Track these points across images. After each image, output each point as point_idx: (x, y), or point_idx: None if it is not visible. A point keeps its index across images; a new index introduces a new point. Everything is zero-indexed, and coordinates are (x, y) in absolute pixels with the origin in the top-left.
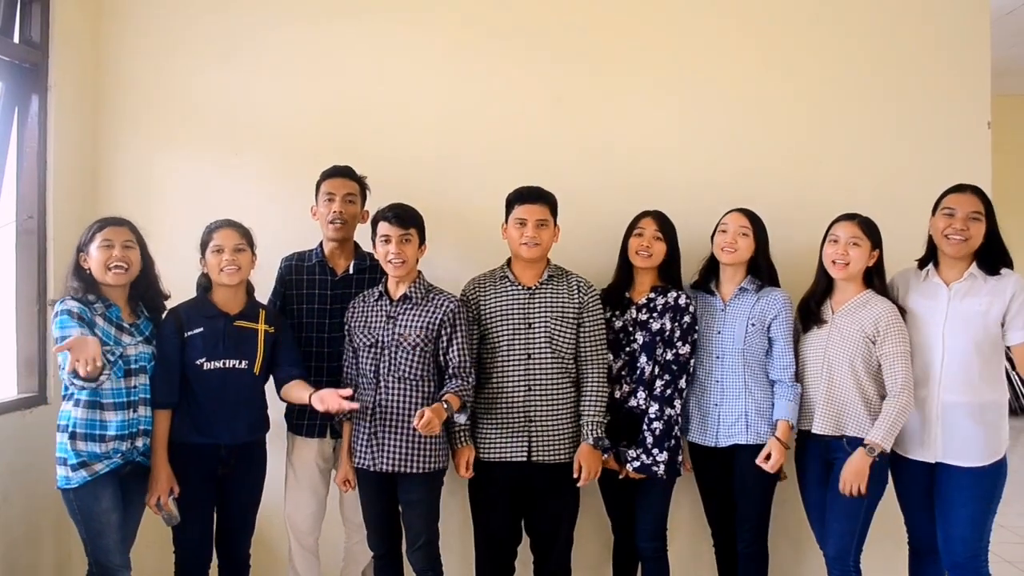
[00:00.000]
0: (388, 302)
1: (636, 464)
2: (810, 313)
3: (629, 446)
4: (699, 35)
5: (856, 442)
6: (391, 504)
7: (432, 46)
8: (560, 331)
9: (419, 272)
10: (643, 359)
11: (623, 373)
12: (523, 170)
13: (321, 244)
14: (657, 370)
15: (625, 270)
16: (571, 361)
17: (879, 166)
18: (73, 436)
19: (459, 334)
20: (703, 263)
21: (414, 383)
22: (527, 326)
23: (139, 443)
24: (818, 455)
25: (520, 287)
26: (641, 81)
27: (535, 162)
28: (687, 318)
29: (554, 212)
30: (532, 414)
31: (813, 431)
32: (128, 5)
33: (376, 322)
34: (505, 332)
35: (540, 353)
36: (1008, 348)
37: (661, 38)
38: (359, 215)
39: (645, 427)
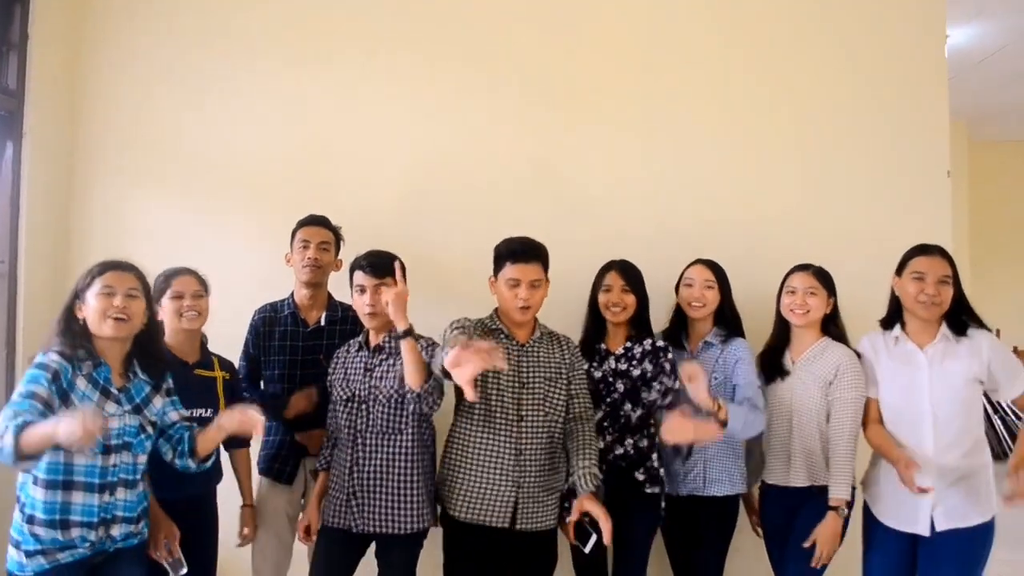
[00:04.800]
0: (367, 353)
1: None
2: (772, 365)
3: (593, 525)
4: (665, 90)
5: (823, 490)
6: (352, 568)
7: (407, 96)
8: (553, 391)
9: None
10: (627, 406)
11: (605, 424)
12: (496, 218)
13: (292, 295)
14: (641, 412)
15: (596, 322)
16: (560, 424)
17: (839, 216)
18: (31, 520)
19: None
20: (671, 315)
21: (394, 438)
22: (520, 385)
23: (115, 531)
24: (784, 505)
25: (514, 343)
26: (609, 133)
27: (508, 211)
28: (669, 355)
29: (546, 267)
30: (521, 479)
31: (790, 484)
32: (105, 52)
33: (354, 374)
34: (496, 390)
35: (533, 414)
36: (1009, 402)
37: (630, 93)
38: (333, 263)
39: (640, 469)
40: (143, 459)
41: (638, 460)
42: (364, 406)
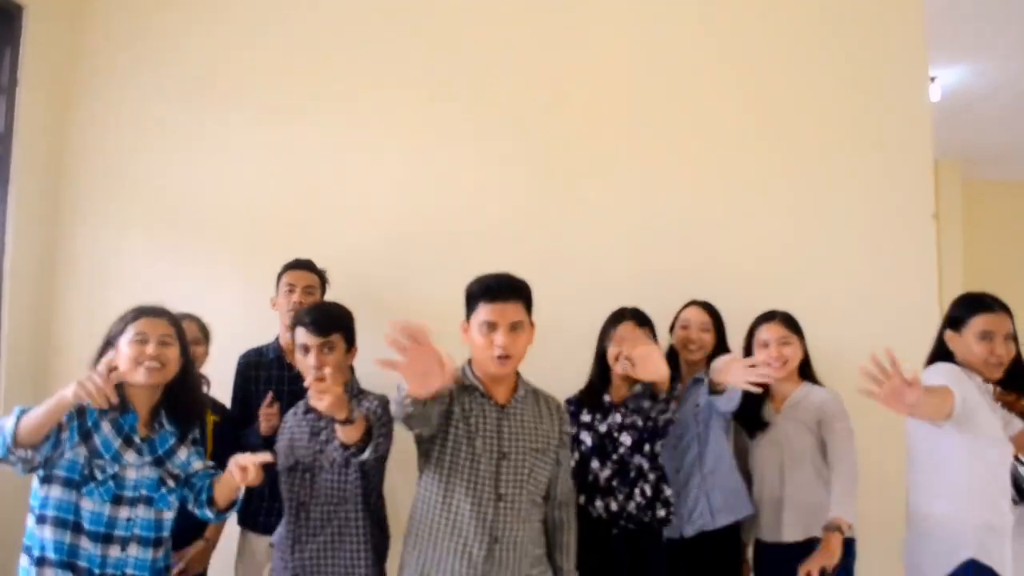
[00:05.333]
0: (314, 416)
1: None
2: (753, 419)
3: None
4: (650, 137)
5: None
6: None
7: (392, 143)
8: (539, 466)
9: (352, 373)
10: (636, 458)
11: (614, 483)
12: (482, 266)
13: (277, 338)
14: (649, 464)
15: (603, 375)
16: (542, 504)
17: (823, 260)
18: (41, 563)
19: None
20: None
21: (340, 512)
22: (500, 455)
23: None
24: (779, 565)
25: (491, 403)
26: (595, 181)
27: (493, 258)
28: (671, 405)
29: (529, 307)
30: (494, 573)
31: (783, 539)
32: (93, 99)
33: (299, 440)
34: (470, 460)
35: (513, 493)
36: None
37: (616, 143)
38: None
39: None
40: (168, 516)
41: (653, 497)
42: (308, 474)
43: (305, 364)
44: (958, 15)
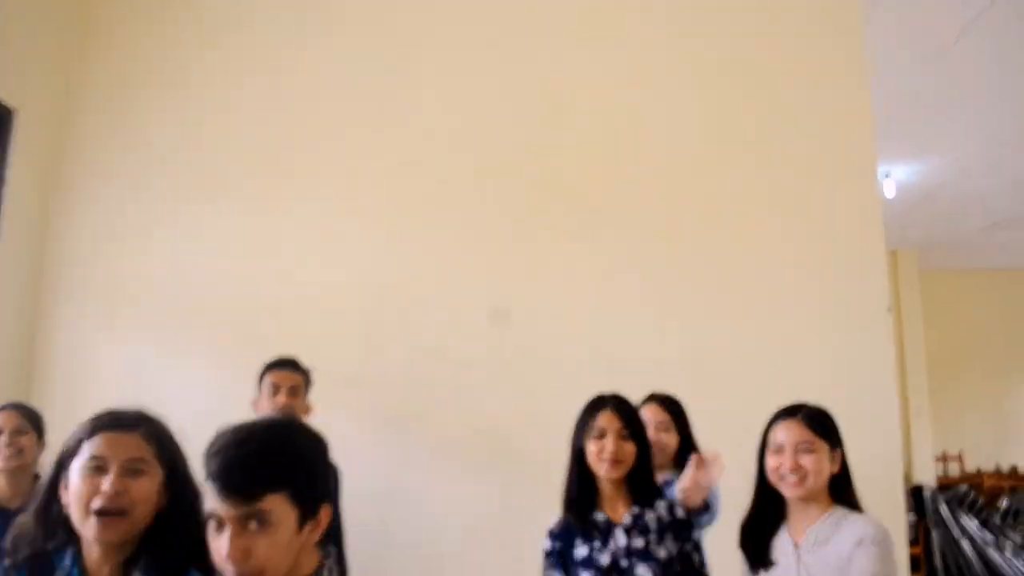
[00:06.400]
0: None
1: None
2: (757, 550)
3: None
4: (613, 240)
5: None
6: None
7: (366, 233)
8: None
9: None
10: None
11: None
12: (457, 357)
13: None
14: None
15: (583, 481)
16: None
17: (779, 357)
18: None
19: None
20: None
21: None
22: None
23: None
24: None
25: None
26: (561, 275)
27: (468, 350)
28: (692, 536)
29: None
30: None
31: None
32: (78, 191)
33: None
34: None
35: None
36: None
37: (586, 237)
38: (303, 408)
39: None
40: None
41: None
42: None
43: (216, 549)
44: (908, 115)
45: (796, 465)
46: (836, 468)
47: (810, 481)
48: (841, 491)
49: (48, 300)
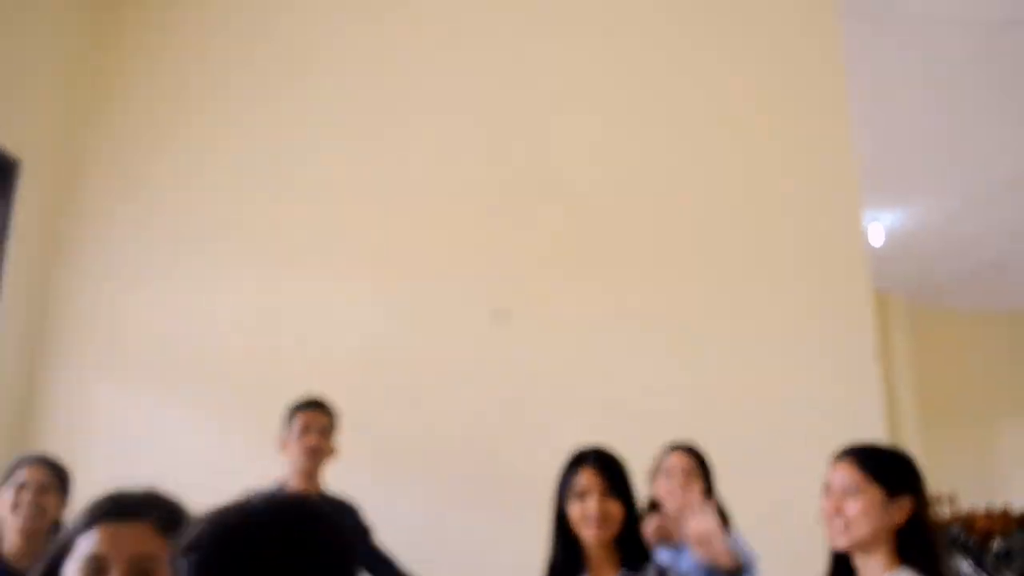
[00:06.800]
0: None
1: None
2: None
3: None
4: (601, 287)
5: None
6: None
7: (372, 290)
8: None
9: None
10: None
11: None
12: (445, 411)
13: (283, 483)
14: None
15: (567, 546)
16: None
17: (767, 405)
18: None
19: None
20: (643, 510)
21: None
22: None
23: None
24: None
25: None
26: (546, 326)
27: (455, 405)
28: None
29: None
30: None
31: None
32: (80, 244)
33: None
34: None
35: None
36: None
37: (570, 290)
38: (331, 450)
39: None
40: None
41: None
42: None
43: None
44: (894, 162)
45: (836, 507)
46: (899, 519)
47: (855, 532)
48: (910, 549)
49: (49, 350)
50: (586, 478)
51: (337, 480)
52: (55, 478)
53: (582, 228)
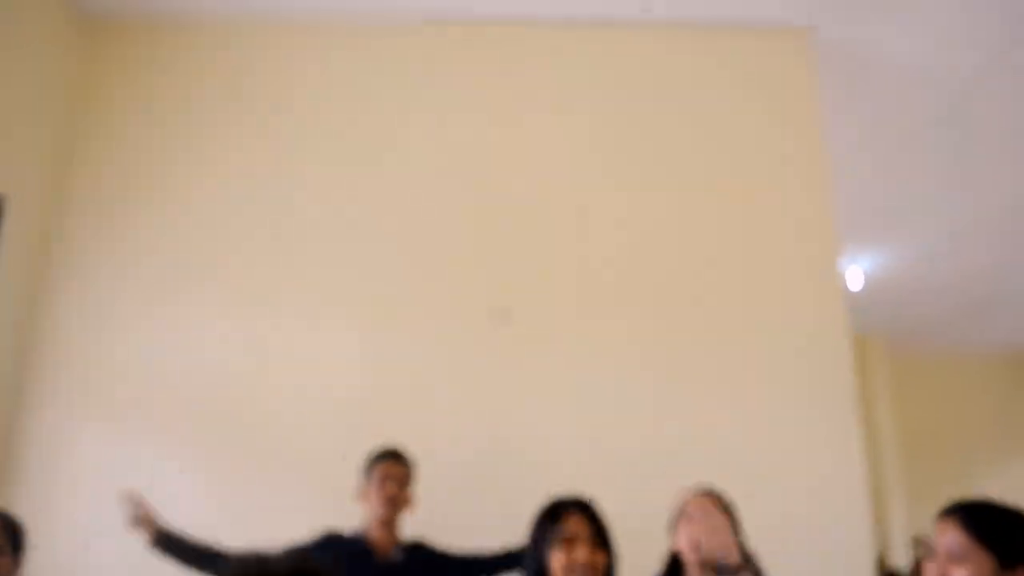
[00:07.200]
0: None
1: None
2: None
3: None
4: (592, 335)
5: None
6: None
7: (355, 333)
8: None
9: None
10: None
11: None
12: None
13: (361, 532)
14: None
15: None
16: None
17: (744, 446)
18: None
19: None
20: (665, 564)
21: None
22: None
23: None
24: None
25: None
26: (539, 374)
27: (441, 455)
28: None
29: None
30: None
31: None
32: (65, 280)
33: None
34: None
35: None
36: None
37: (564, 335)
38: (407, 500)
39: None
40: None
41: None
42: None
43: None
44: (871, 207)
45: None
46: None
47: None
48: None
49: (30, 389)
50: (574, 526)
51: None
52: (5, 536)
53: (565, 272)
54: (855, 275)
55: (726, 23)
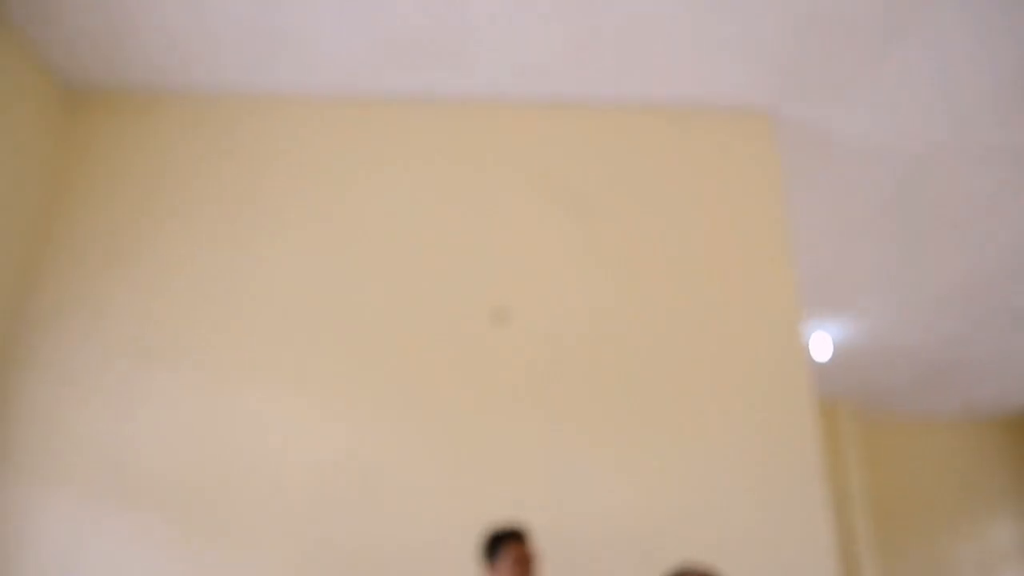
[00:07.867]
0: None
1: None
2: None
3: None
4: (558, 413)
5: None
6: None
7: (327, 413)
8: None
9: None
10: None
11: None
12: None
13: None
14: None
15: None
16: None
17: (710, 514)
18: None
19: None
20: None
21: None
22: None
23: None
24: None
25: None
26: (510, 451)
27: (424, 519)
28: None
29: None
30: None
31: None
32: (36, 356)
33: None
34: None
35: None
36: None
37: (538, 412)
38: None
39: None
40: None
41: None
42: None
43: None
44: (835, 279)
45: None
46: None
47: None
48: None
49: None
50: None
51: None
52: None
53: (531, 349)
54: (824, 344)
55: (689, 104)
